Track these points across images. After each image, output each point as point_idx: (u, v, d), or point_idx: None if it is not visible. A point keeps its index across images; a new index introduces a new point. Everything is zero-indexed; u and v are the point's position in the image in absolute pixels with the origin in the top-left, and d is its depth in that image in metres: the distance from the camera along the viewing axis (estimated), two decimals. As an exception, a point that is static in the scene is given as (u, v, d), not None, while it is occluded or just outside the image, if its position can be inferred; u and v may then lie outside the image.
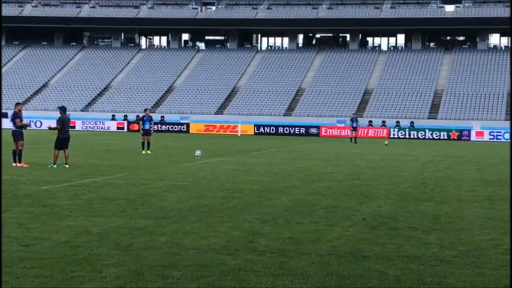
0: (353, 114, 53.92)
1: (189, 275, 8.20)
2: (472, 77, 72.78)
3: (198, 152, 28.47)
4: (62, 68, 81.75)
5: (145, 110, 33.87)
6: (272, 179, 20.15)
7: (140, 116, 33.12)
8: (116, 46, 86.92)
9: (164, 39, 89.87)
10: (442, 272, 8.62)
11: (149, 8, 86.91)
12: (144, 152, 31.05)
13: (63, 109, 23.22)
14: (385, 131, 63.28)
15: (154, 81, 77.47)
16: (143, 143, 31.69)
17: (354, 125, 50.20)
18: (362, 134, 61.40)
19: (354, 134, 50.05)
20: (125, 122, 68.33)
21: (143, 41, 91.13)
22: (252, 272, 8.37)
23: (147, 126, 31.96)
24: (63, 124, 22.90)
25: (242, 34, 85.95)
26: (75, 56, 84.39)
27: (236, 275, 8.24)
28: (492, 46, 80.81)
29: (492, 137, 61.37)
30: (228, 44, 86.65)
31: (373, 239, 10.69)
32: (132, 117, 69.62)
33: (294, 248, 9.88)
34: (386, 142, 48.17)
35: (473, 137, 61.43)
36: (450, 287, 7.99)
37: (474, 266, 9.00)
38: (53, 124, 23.68)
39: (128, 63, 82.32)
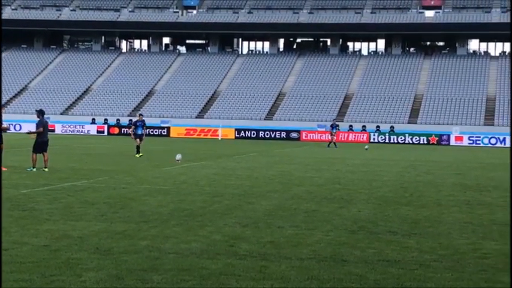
0: (333, 120, 54.44)
1: (169, 279, 8.18)
2: (451, 82, 73.33)
3: (178, 156, 28.45)
4: (42, 71, 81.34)
5: (140, 115, 33.82)
6: (253, 183, 20.16)
7: (133, 121, 33.28)
8: (96, 49, 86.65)
9: (145, 42, 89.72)
10: (421, 276, 8.67)
11: (130, 11, 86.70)
12: (138, 155, 31.01)
13: (41, 112, 23.08)
14: (365, 135, 63.58)
15: (135, 84, 77.29)
16: (138, 146, 31.66)
17: (334, 130, 50.51)
18: (342, 139, 61.70)
19: (331, 139, 50.28)
20: (105, 126, 68.12)
21: (124, 45, 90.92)
22: (232, 276, 8.37)
23: (139, 131, 32.04)
24: (44, 128, 22.80)
25: (223, 38, 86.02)
26: (55, 59, 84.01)
27: (217, 279, 8.24)
28: (471, 51, 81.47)
29: (471, 141, 61.86)
30: (209, 48, 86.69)
31: (353, 243, 10.72)
32: (112, 121, 69.44)
33: (275, 252, 9.89)
34: (366, 147, 48.42)
35: (452, 142, 61.90)
36: (429, 290, 8.05)
37: (453, 270, 9.05)
38: (33, 129, 23.54)
39: (108, 66, 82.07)
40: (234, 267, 8.84)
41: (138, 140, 31.90)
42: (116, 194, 16.48)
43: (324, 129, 65.04)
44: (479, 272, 8.94)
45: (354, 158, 35.72)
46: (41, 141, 22.61)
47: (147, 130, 33.19)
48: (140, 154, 31.23)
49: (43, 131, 22.69)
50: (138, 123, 32.40)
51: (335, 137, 50.66)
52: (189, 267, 8.77)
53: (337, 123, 54.60)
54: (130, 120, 68.60)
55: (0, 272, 7.77)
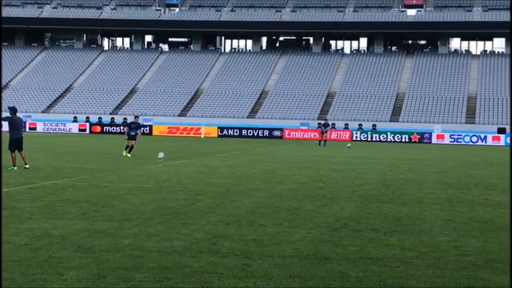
0: (325, 119, 54.10)
1: (151, 277, 8.17)
2: (433, 81, 73.67)
3: (161, 154, 28.36)
4: (23, 69, 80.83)
5: (136, 117, 33.31)
6: (235, 181, 20.16)
7: (128, 122, 32.84)
8: (78, 47, 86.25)
9: (127, 40, 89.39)
10: (403, 273, 8.71)
11: (112, 9, 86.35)
12: (124, 154, 30.59)
13: (12, 109, 23.03)
14: (348, 133, 63.73)
15: (117, 82, 77.01)
16: (127, 146, 31.05)
17: (326, 129, 50.18)
18: (325, 137, 61.82)
19: (322, 137, 49.94)
20: (87, 124, 67.82)
21: (106, 42, 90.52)
22: (215, 274, 8.37)
23: (133, 133, 31.41)
24: (13, 124, 22.74)
25: (206, 36, 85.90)
26: (36, 57, 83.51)
27: (199, 277, 8.24)
28: (453, 50, 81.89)
29: (453, 140, 62.20)
30: (191, 46, 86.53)
31: (336, 241, 10.76)
32: (94, 119, 69.17)
33: (257, 250, 9.90)
34: (349, 145, 48.50)
35: (434, 140, 62.20)
36: (411, 288, 8.09)
37: (434, 267, 9.10)
38: (5, 126, 23.51)
39: (90, 64, 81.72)
40: (217, 265, 8.84)
41: (130, 141, 31.18)
42: (97, 193, 16.42)
43: (306, 128, 65.19)
44: (460, 269, 9.00)
45: (336, 156, 35.80)
46: (15, 138, 22.57)
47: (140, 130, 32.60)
48: (129, 154, 30.65)
49: (10, 127, 22.68)
50: (133, 126, 31.84)
51: (325, 136, 50.22)
52: (171, 266, 8.76)
53: (329, 122, 54.33)
54: (113, 118, 68.58)
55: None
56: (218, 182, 19.63)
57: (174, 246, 10.01)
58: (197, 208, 14.15)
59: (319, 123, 51.90)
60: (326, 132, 50.53)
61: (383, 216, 13.63)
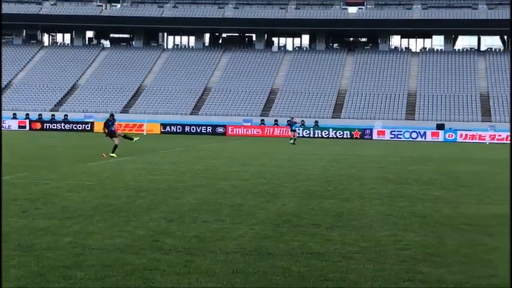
0: (291, 117, 53.04)
1: (92, 275, 8.10)
2: (373, 78, 74.63)
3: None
4: (-40, 64, 79.05)
5: (111, 115, 32.08)
6: (178, 178, 20.09)
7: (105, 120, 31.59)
8: (17, 43, 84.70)
9: (68, 36, 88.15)
10: (344, 267, 8.81)
11: (52, 4, 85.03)
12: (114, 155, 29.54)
13: None
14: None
15: (58, 79, 75.90)
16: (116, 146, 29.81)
17: (293, 127, 49.37)
18: (268, 133, 62.20)
19: (293, 135, 48.96)
20: (27, 121, 66.70)
21: (46, 38, 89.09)
22: (157, 271, 8.34)
23: (112, 128, 30.26)
24: None
25: (148, 32, 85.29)
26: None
27: (141, 274, 8.20)
28: (393, 47, 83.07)
29: (393, 136, 63.13)
30: (133, 42, 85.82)
31: (278, 237, 10.82)
32: (34, 116, 68.06)
33: (200, 247, 9.89)
34: (291, 141, 48.72)
35: (375, 136, 63.02)
36: (352, 282, 8.19)
37: (375, 261, 9.23)
38: None
39: (30, 60, 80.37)
40: (159, 262, 8.81)
41: (111, 137, 30.08)
42: (37, 190, 16.17)
43: (249, 124, 65.38)
44: (400, 263, 9.14)
45: (279, 152, 35.97)
46: None
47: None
48: (113, 155, 29.42)
49: None
50: (109, 122, 30.86)
51: (295, 134, 49.20)
52: (113, 263, 8.69)
53: (295, 120, 52.56)
54: (53, 115, 67.70)
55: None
56: (161, 179, 19.54)
57: (116, 244, 9.93)
58: (139, 205, 14.06)
59: (288, 121, 50.29)
60: (295, 130, 49.59)
61: (325, 211, 13.75)
